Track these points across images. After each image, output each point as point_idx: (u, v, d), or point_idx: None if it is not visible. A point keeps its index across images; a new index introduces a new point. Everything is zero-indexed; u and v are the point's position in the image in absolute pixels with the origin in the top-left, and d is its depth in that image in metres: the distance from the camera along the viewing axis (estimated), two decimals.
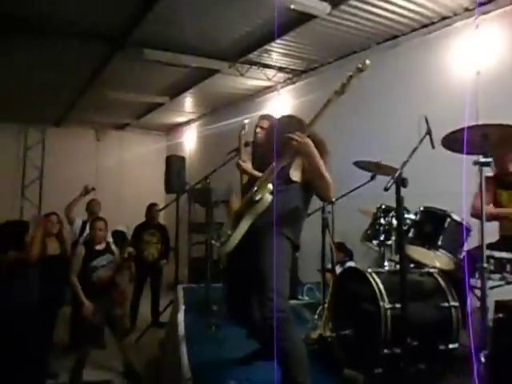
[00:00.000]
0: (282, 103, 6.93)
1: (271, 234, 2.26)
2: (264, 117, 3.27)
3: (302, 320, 3.63)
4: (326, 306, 3.13)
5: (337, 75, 5.25)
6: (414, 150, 2.58)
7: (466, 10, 4.47)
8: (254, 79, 6.63)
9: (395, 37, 5.20)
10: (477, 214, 2.97)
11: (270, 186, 2.31)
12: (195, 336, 3.28)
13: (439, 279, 2.69)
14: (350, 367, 2.57)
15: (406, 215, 2.75)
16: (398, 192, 2.35)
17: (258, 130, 3.06)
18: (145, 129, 10.97)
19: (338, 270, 3.26)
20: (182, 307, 4.03)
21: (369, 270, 2.64)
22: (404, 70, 5.08)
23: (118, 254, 4.35)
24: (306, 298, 4.49)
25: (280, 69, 6.37)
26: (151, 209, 6.26)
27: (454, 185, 4.04)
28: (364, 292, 2.61)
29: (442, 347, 2.54)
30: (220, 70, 6.09)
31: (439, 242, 2.56)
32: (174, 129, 11.16)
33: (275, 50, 5.71)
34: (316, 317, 3.33)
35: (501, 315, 2.01)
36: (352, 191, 3.50)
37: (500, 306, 2.05)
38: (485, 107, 4.21)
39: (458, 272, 2.69)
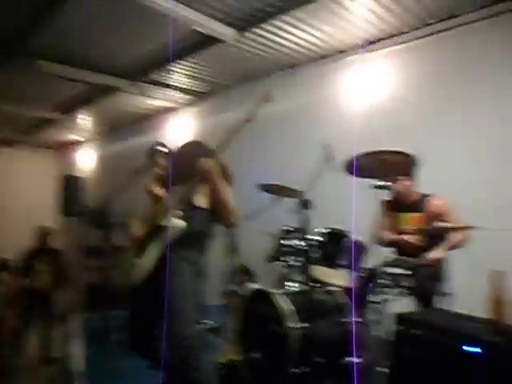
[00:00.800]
0: (184, 124, 6.90)
1: (177, 260, 2.24)
2: (159, 152, 3.15)
3: (207, 345, 3.55)
4: (232, 329, 3.10)
5: (240, 99, 5.38)
6: (318, 175, 2.72)
7: (360, 46, 4.87)
8: (156, 99, 6.53)
9: (294, 65, 5.49)
10: (379, 241, 3.19)
11: (177, 211, 2.28)
12: (93, 371, 3.04)
13: (341, 297, 2.82)
14: None
15: (309, 236, 2.85)
16: (302, 212, 2.44)
17: (157, 169, 2.90)
18: (35, 146, 10.16)
19: (241, 291, 3.29)
20: (77, 339, 3.72)
21: (275, 291, 2.67)
22: (303, 98, 5.35)
23: (8, 285, 3.90)
24: (211, 322, 4.41)
25: (182, 90, 6.34)
26: (42, 232, 5.76)
27: (356, 207, 4.37)
28: (271, 313, 2.64)
29: (345, 362, 2.64)
30: (121, 88, 5.89)
31: (341, 261, 2.68)
32: (68, 147, 10.50)
33: (178, 70, 5.68)
34: (223, 340, 3.28)
35: (402, 328, 2.14)
36: (256, 214, 3.53)
37: (401, 318, 2.18)
38: (376, 136, 4.61)
39: (358, 289, 2.84)
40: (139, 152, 7.19)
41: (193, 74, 5.81)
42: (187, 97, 6.59)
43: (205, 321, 4.42)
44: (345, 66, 5.08)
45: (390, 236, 3.27)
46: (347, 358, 2.66)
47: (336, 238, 2.77)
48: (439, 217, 3.16)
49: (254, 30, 4.47)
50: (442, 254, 2.99)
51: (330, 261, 2.74)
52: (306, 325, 2.52)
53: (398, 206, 3.31)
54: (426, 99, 4.39)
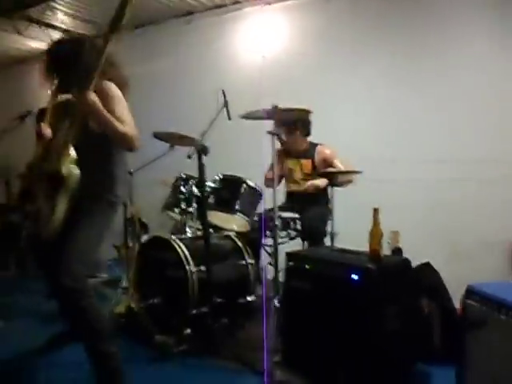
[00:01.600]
0: None
1: (89, 199, 2.03)
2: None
3: (103, 297, 3.49)
4: (129, 278, 3.08)
5: (130, 47, 5.11)
6: (213, 121, 2.72)
7: None
8: (35, 40, 5.86)
9: (190, 13, 5.30)
10: (267, 183, 3.33)
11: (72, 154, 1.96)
12: None
13: (236, 241, 2.93)
14: (161, 333, 2.60)
15: (206, 183, 2.88)
16: (199, 159, 2.44)
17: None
18: None
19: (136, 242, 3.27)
20: None
21: (173, 237, 2.69)
22: (197, 47, 5.23)
23: None
24: (105, 275, 4.31)
25: (65, 31, 5.78)
26: None
27: (250, 155, 4.48)
28: (170, 259, 2.66)
29: (242, 301, 2.79)
30: None
31: (236, 207, 2.76)
32: None
33: (60, 8, 5.16)
34: (119, 291, 3.24)
35: (291, 263, 2.30)
36: (150, 163, 3.45)
37: (290, 255, 2.35)
38: (268, 86, 4.72)
39: (253, 233, 2.98)
40: (17, 99, 6.54)
41: (77, 14, 5.32)
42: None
43: (99, 274, 4.32)
44: (241, 18, 5.05)
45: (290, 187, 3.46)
46: (242, 297, 2.81)
47: (232, 184, 2.83)
48: (327, 163, 3.41)
49: None
50: (322, 182, 3.26)
51: (226, 206, 2.80)
52: (203, 268, 2.58)
53: (290, 153, 3.47)
54: (317, 53, 4.56)
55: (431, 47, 4.05)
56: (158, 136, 3.26)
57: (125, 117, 2.04)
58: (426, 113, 4.05)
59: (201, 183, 2.45)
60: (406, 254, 4.09)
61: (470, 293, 1.80)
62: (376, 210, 2.17)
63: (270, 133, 2.45)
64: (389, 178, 3.92)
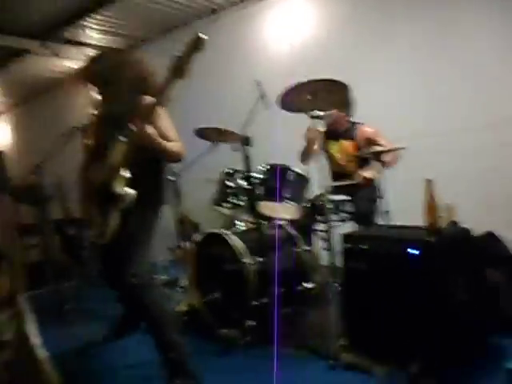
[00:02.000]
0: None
1: (140, 207, 2.11)
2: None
3: (165, 296, 3.58)
4: (188, 278, 3.13)
5: (161, 52, 5.17)
6: (252, 112, 2.71)
7: None
8: (71, 59, 6.07)
9: (214, 10, 5.32)
10: (303, 158, 3.28)
11: (124, 173, 2.06)
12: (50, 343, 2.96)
13: (289, 229, 2.92)
14: (225, 327, 2.64)
15: (252, 174, 2.89)
16: (244, 151, 2.45)
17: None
18: None
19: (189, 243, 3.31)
20: (31, 317, 3.58)
21: (226, 232, 2.71)
22: (226, 44, 5.23)
23: None
24: (163, 276, 4.41)
25: (97, 47, 5.94)
26: None
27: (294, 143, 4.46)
28: (225, 254, 2.68)
29: (300, 288, 2.78)
30: (29, 49, 5.41)
31: (285, 195, 2.75)
32: None
33: (91, 26, 5.31)
34: (179, 290, 3.31)
35: (348, 245, 2.27)
36: (195, 161, 3.49)
37: (346, 237, 2.31)
38: (298, 74, 4.65)
39: (304, 219, 2.95)
40: (61, 118, 6.80)
41: (107, 29, 5.46)
42: None
43: (157, 276, 4.43)
44: (266, 8, 5.02)
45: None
46: (301, 285, 2.80)
47: (277, 172, 2.81)
48: (370, 143, 3.32)
49: None
50: (374, 174, 3.16)
51: (274, 195, 2.79)
52: (259, 259, 2.59)
53: (330, 134, 3.40)
54: (348, 38, 4.45)
55: (458, 22, 3.88)
56: (200, 133, 3.31)
57: (170, 133, 2.17)
58: (459, 81, 3.87)
59: (248, 175, 2.45)
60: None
61: None
62: (429, 182, 2.09)
63: (313, 117, 2.42)
64: (432, 150, 3.80)
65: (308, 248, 2.89)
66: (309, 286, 2.82)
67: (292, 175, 2.78)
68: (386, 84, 4.20)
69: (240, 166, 2.90)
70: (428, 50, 4.03)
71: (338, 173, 3.40)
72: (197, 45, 2.03)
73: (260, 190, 2.81)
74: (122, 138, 2.06)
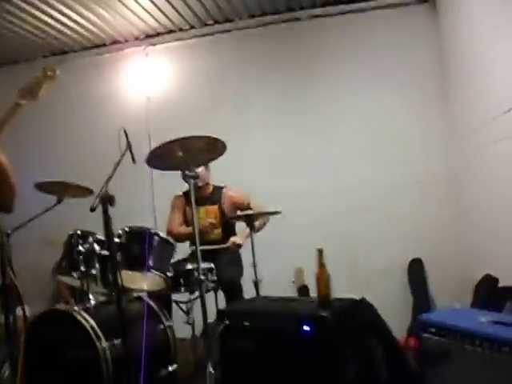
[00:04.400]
0: None
1: None
2: None
3: None
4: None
5: None
6: (117, 165, 2.30)
7: (136, 38, 4.55)
8: None
9: (64, 52, 4.76)
10: (173, 236, 2.94)
11: None
12: None
13: (150, 302, 2.48)
14: None
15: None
16: (105, 211, 2.00)
17: None
18: None
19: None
20: None
21: (72, 309, 2.15)
22: (73, 88, 4.66)
23: None
24: None
25: None
26: None
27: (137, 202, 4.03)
28: (70, 336, 2.11)
29: (163, 372, 2.32)
30: None
31: (150, 263, 2.34)
32: None
33: None
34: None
35: (227, 322, 1.95)
36: (33, 219, 2.84)
37: (223, 313, 2.02)
38: (155, 129, 4.40)
39: (166, 290, 2.55)
40: None
41: None
42: None
43: None
44: (123, 59, 4.68)
45: (183, 229, 3.09)
46: (165, 369, 2.35)
47: (141, 237, 2.40)
48: (236, 207, 3.15)
49: (16, 1, 3.63)
50: (243, 239, 2.98)
51: (137, 264, 2.36)
52: (116, 341, 2.09)
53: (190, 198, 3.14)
54: (201, 95, 4.39)
55: (312, 78, 4.21)
56: (43, 187, 2.72)
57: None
58: (317, 146, 4.12)
59: (109, 239, 1.99)
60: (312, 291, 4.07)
61: (425, 325, 1.67)
62: (320, 252, 1.96)
63: (187, 176, 2.13)
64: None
65: (171, 324, 2.48)
66: (171, 368, 2.39)
67: (157, 241, 2.40)
68: (244, 145, 4.16)
69: (90, 227, 2.43)
70: (286, 108, 4.21)
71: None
72: (50, 74, 1.97)
73: (119, 257, 2.35)
74: None
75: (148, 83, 4.57)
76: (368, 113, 4.04)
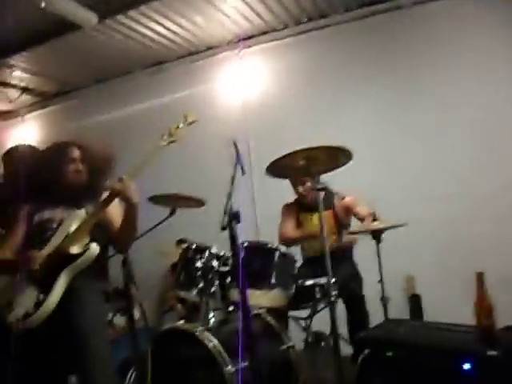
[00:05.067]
0: (27, 132, 5.59)
1: (88, 290, 1.87)
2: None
3: None
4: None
5: (94, 100, 4.53)
6: (233, 179, 2.17)
7: (230, 42, 4.46)
8: None
9: (160, 62, 4.81)
10: (284, 240, 2.79)
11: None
12: None
13: (270, 321, 2.32)
14: None
15: (226, 254, 2.31)
16: (231, 228, 1.87)
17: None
18: None
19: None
20: None
21: (199, 329, 2.04)
22: (169, 97, 4.70)
23: None
24: None
25: (25, 90, 5.11)
26: None
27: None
28: (194, 356, 2.01)
29: None
30: None
31: (272, 280, 2.17)
32: None
33: (19, 65, 4.50)
34: None
35: (368, 351, 1.72)
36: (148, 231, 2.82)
37: (363, 339, 1.77)
38: (253, 133, 4.28)
39: (287, 307, 2.38)
40: None
41: (38, 70, 4.68)
42: (31, 98, 5.33)
43: None
44: (217, 64, 4.62)
45: (296, 232, 2.92)
46: None
47: (262, 252, 2.25)
48: (349, 212, 2.93)
49: (118, 17, 3.68)
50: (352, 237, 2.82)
51: (259, 281, 2.21)
52: (243, 364, 1.95)
53: (304, 206, 2.96)
54: (299, 95, 4.18)
55: (418, 78, 3.80)
56: (157, 200, 2.69)
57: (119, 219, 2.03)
58: (425, 149, 3.72)
59: (236, 257, 1.85)
60: (424, 301, 3.71)
61: None
62: (480, 275, 1.65)
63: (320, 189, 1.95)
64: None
65: (292, 344, 2.30)
66: None
67: (278, 255, 2.23)
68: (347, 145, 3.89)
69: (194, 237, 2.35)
70: (388, 110, 3.85)
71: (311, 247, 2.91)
72: (191, 120, 2.24)
73: (233, 273, 2.22)
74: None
75: (244, 87, 4.46)
76: (488, 105, 3.56)
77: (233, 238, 1.85)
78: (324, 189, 2.05)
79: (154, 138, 4.56)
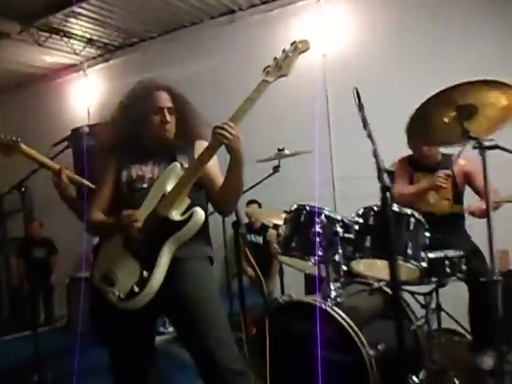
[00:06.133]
0: (89, 86, 5.36)
1: (195, 258, 1.61)
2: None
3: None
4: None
5: (160, 53, 4.18)
6: (365, 123, 1.78)
7: None
8: (56, 52, 4.85)
9: (232, 11, 4.40)
10: (403, 198, 2.43)
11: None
12: None
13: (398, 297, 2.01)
14: None
15: (348, 219, 1.99)
16: (384, 192, 1.52)
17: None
18: None
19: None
20: None
21: (329, 304, 1.76)
22: (243, 48, 4.30)
23: None
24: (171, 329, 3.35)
25: (89, 41, 4.82)
26: None
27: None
28: (324, 336, 1.73)
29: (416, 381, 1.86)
30: (9, 33, 4.18)
31: (408, 250, 1.84)
32: None
33: (84, 14, 4.20)
34: None
35: None
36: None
37: None
38: (333, 90, 3.89)
39: (415, 281, 2.06)
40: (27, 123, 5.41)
41: (103, 21, 4.38)
42: (94, 51, 5.05)
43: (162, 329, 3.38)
44: (293, 13, 4.16)
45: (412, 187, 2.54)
46: (416, 377, 1.89)
47: (395, 218, 1.90)
48: (468, 178, 2.54)
49: None
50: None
51: (379, 249, 1.89)
52: (381, 346, 1.67)
53: (419, 167, 2.59)
54: (385, 47, 3.71)
55: None
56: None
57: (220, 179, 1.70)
58: None
59: (386, 222, 1.50)
60: None
61: None
62: None
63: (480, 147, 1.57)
64: None
65: (420, 323, 1.99)
66: (421, 376, 1.92)
67: (413, 223, 1.89)
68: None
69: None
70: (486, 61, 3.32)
71: (427, 213, 2.53)
72: (301, 47, 1.76)
73: (363, 241, 1.91)
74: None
75: (323, 39, 4.01)
76: None
77: (384, 200, 1.50)
78: (496, 147, 1.63)
79: (225, 95, 4.35)
